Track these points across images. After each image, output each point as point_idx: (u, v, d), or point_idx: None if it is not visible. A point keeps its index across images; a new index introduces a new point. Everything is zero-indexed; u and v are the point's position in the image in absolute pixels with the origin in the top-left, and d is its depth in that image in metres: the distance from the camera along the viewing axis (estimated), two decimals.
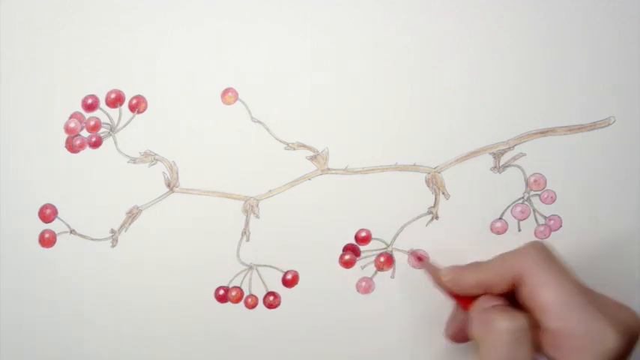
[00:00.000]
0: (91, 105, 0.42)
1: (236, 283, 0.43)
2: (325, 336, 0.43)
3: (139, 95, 0.42)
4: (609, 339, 0.34)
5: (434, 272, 0.40)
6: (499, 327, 0.34)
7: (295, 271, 0.43)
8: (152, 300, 0.43)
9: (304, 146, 0.42)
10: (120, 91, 0.42)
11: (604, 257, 0.43)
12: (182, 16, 0.41)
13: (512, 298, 0.37)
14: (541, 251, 0.36)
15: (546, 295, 0.35)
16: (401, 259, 0.43)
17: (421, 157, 0.42)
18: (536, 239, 0.38)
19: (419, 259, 0.42)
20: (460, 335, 0.40)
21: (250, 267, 0.43)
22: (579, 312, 0.34)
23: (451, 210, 0.43)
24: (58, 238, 0.42)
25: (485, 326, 0.35)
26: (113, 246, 0.42)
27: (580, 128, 0.43)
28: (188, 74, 0.42)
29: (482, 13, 0.42)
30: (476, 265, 0.38)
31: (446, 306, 0.43)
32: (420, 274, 0.43)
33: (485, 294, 0.37)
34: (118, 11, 0.41)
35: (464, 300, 0.38)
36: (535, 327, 0.35)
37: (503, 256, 0.37)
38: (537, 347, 0.35)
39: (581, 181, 0.43)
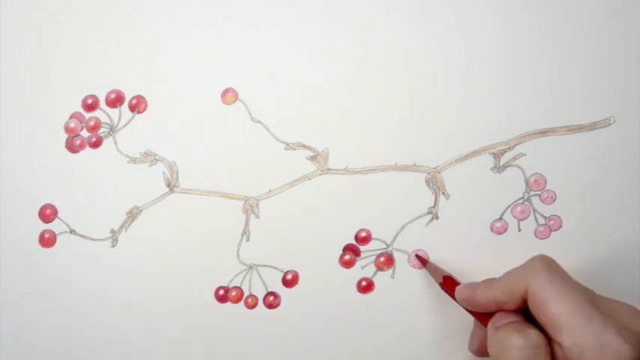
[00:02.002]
0: (91, 105, 0.42)
1: (236, 283, 0.43)
2: (325, 336, 0.43)
3: (139, 95, 0.42)
4: (622, 351, 0.33)
5: (437, 277, 0.40)
6: (510, 344, 0.34)
7: (295, 271, 0.43)
8: (152, 300, 0.43)
9: (304, 146, 0.42)
10: (120, 91, 0.42)
11: (604, 257, 0.43)
12: (182, 16, 0.41)
13: (528, 314, 0.36)
14: (545, 265, 0.36)
15: (555, 310, 0.34)
16: (401, 259, 0.43)
17: (421, 157, 0.42)
18: (540, 253, 0.37)
19: (423, 262, 0.42)
20: (483, 350, 0.40)
21: (250, 267, 0.43)
22: (590, 325, 0.33)
23: (451, 210, 0.43)
24: (58, 238, 0.42)
25: (500, 344, 0.35)
26: (113, 246, 0.42)
27: (580, 128, 0.43)
28: (188, 74, 0.42)
29: (482, 13, 0.42)
30: (488, 283, 0.38)
31: (446, 306, 0.43)
32: (420, 275, 0.43)
33: (499, 310, 0.37)
34: (118, 11, 0.41)
35: (482, 316, 0.38)
36: (552, 342, 0.34)
37: (509, 273, 0.37)
38: None
39: (581, 181, 0.43)
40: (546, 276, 0.35)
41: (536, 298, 0.35)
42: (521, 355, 0.34)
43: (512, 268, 0.37)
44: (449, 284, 0.40)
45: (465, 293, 0.38)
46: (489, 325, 0.37)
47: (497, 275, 0.38)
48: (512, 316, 0.36)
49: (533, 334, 0.34)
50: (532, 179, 0.43)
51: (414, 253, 0.43)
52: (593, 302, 0.35)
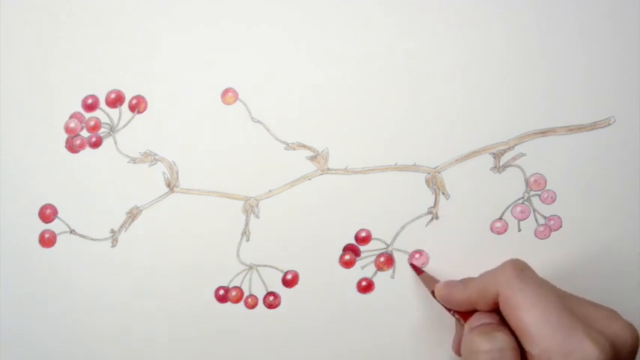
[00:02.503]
0: (91, 105, 0.42)
1: (236, 283, 0.43)
2: (325, 336, 0.43)
3: (139, 95, 0.42)
4: (590, 355, 0.32)
5: (431, 286, 0.40)
6: (478, 348, 0.34)
7: (295, 271, 0.43)
8: (152, 300, 0.43)
9: (304, 146, 0.42)
10: (120, 91, 0.42)
11: (604, 257, 0.43)
12: (182, 16, 0.41)
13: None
14: (517, 270, 0.35)
15: (523, 317, 0.34)
16: (401, 259, 0.43)
17: (421, 157, 0.42)
18: (512, 258, 0.36)
19: (418, 271, 0.42)
20: None
21: (250, 267, 0.43)
22: (557, 331, 0.33)
23: (451, 210, 0.43)
24: (58, 238, 0.42)
25: (468, 347, 0.35)
26: (113, 246, 0.42)
27: (580, 128, 0.43)
28: (188, 74, 0.42)
29: (482, 13, 0.42)
30: (465, 282, 0.38)
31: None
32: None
33: (476, 311, 0.37)
34: (118, 11, 0.41)
35: (463, 315, 0.38)
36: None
37: (483, 276, 0.37)
38: None
39: (581, 181, 0.43)
40: (517, 282, 0.35)
41: (506, 304, 0.35)
42: (486, 358, 0.34)
43: (487, 270, 0.37)
44: (429, 283, 0.41)
45: (443, 291, 0.39)
46: (465, 326, 0.37)
47: None
48: (487, 318, 0.36)
49: (500, 337, 0.34)
50: (532, 179, 0.43)
51: (412, 265, 0.43)
52: (565, 308, 0.34)
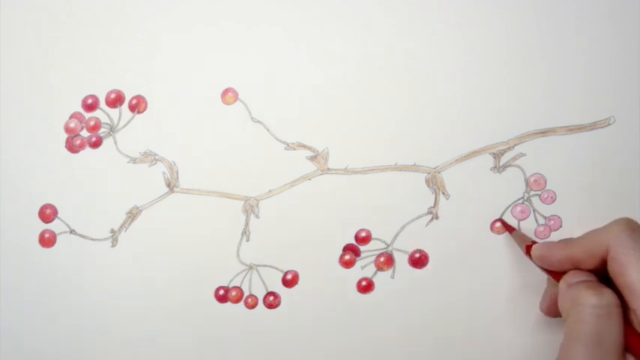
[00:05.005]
0: (91, 105, 0.42)
1: (236, 283, 0.43)
2: (325, 336, 0.43)
3: (139, 95, 0.42)
4: None
5: (523, 245, 0.40)
6: (585, 302, 0.34)
7: (295, 271, 0.43)
8: (152, 300, 0.43)
9: (304, 146, 0.42)
10: (120, 91, 0.42)
11: None
12: (182, 16, 0.41)
13: (603, 275, 0.36)
14: (630, 229, 0.35)
15: (632, 274, 0.34)
16: (401, 259, 0.43)
17: (421, 157, 0.42)
18: (625, 217, 0.37)
19: (509, 229, 0.42)
20: (554, 309, 0.40)
21: (250, 267, 0.43)
22: None
23: (451, 210, 0.43)
24: (58, 238, 0.42)
25: (572, 301, 0.35)
26: (113, 246, 0.42)
27: (580, 128, 0.43)
28: (188, 74, 0.42)
29: (482, 13, 0.42)
30: (565, 242, 0.38)
31: (445, 306, 0.43)
32: (420, 275, 0.43)
33: (574, 269, 0.37)
34: (118, 11, 0.41)
35: (556, 274, 0.38)
36: (627, 306, 0.34)
37: (591, 233, 0.37)
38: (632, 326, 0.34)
39: (581, 181, 0.43)
40: (630, 240, 0.35)
41: (616, 260, 0.34)
42: (593, 313, 0.33)
43: (593, 229, 0.37)
44: (522, 242, 0.40)
45: (541, 251, 0.38)
46: (561, 282, 0.37)
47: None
48: (586, 275, 0.36)
49: (608, 293, 0.34)
50: (532, 179, 0.43)
51: (504, 223, 0.42)
52: None
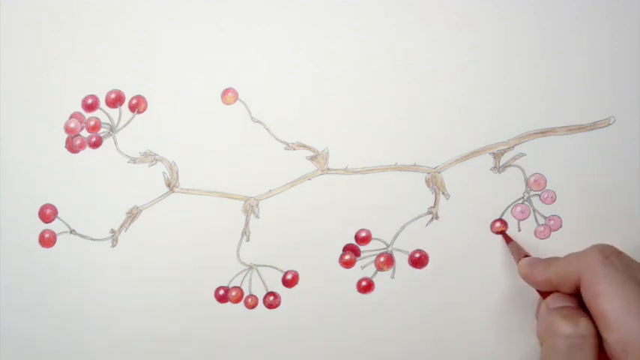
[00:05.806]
0: (91, 105, 0.42)
1: (236, 283, 0.43)
2: (325, 336, 0.43)
3: (139, 95, 0.42)
4: None
5: (517, 257, 0.40)
6: (560, 331, 0.33)
7: (295, 271, 0.43)
8: (152, 300, 0.43)
9: (304, 146, 0.42)
10: (120, 91, 0.42)
11: None
12: (182, 16, 0.41)
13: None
14: (602, 257, 0.34)
15: (604, 304, 0.33)
16: (401, 259, 0.43)
17: (421, 157, 0.42)
18: (602, 244, 0.36)
19: (507, 239, 0.42)
20: None
21: (250, 267, 0.43)
22: (637, 322, 0.32)
23: (451, 210, 0.43)
24: (58, 238, 0.42)
25: (547, 328, 0.34)
26: (113, 246, 0.42)
27: (580, 128, 0.43)
28: (188, 74, 0.42)
29: (482, 13, 0.42)
30: (548, 263, 0.37)
31: (445, 306, 0.43)
32: (420, 275, 0.43)
33: (555, 291, 0.36)
34: (118, 11, 0.41)
35: (542, 292, 0.38)
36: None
37: (567, 258, 0.36)
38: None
39: (581, 181, 0.43)
40: (602, 268, 0.34)
41: (588, 290, 0.34)
42: (566, 343, 0.33)
43: (572, 252, 0.36)
44: (515, 254, 0.40)
45: (525, 270, 0.38)
46: (542, 305, 0.36)
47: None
48: (566, 300, 0.36)
49: (583, 322, 0.33)
50: (532, 179, 0.43)
51: (504, 235, 0.42)
52: None
